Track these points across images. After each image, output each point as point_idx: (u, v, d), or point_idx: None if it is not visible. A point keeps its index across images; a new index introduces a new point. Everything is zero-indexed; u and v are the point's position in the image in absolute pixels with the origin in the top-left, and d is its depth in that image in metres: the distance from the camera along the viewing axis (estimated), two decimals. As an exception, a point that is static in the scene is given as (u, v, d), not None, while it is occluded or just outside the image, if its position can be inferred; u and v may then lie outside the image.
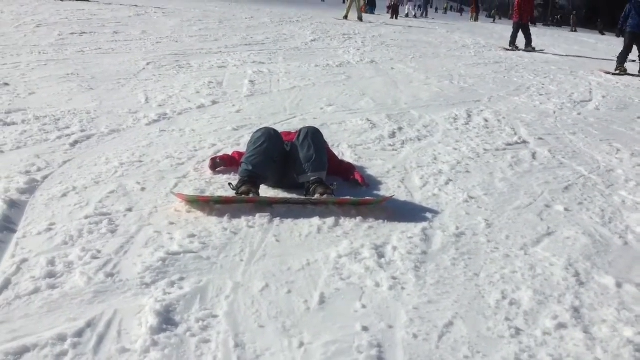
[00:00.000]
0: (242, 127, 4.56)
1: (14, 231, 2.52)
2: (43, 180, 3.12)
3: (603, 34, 29.47)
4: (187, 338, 1.85)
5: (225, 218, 2.75)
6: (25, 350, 1.73)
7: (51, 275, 2.15)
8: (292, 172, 3.19)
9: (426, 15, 27.87)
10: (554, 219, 3.13)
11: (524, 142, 4.75)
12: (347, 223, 2.80)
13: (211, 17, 13.68)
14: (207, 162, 3.49)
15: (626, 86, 8.58)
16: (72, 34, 9.08)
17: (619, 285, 2.41)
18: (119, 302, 2.02)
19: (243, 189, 2.95)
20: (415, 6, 26.31)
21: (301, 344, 1.86)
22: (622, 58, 10.14)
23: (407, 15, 24.61)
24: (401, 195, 3.29)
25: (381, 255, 2.50)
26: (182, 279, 2.20)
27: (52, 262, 2.24)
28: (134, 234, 2.56)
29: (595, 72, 9.80)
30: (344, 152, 4.05)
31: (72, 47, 7.85)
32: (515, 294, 2.28)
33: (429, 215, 3.01)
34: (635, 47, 10.39)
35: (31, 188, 3.00)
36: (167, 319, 1.93)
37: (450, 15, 42.68)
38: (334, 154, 3.66)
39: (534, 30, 14.20)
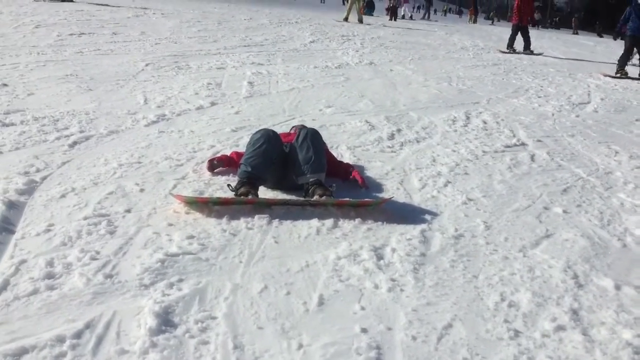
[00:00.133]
0: (241, 128, 4.56)
1: (12, 232, 2.51)
2: (42, 181, 3.12)
3: (601, 36, 29.55)
4: (186, 339, 1.85)
5: (224, 219, 2.75)
6: (24, 351, 1.73)
7: (50, 276, 2.15)
8: (291, 174, 3.19)
9: (429, 17, 27.85)
10: (553, 221, 3.13)
11: (523, 144, 4.76)
12: (346, 225, 2.80)
13: (210, 18, 13.68)
14: (205, 164, 3.49)
15: (624, 88, 8.60)
16: (71, 34, 9.07)
17: (617, 287, 2.42)
18: (118, 303, 2.02)
19: (242, 190, 2.96)
20: (413, 7, 26.32)
21: (300, 346, 1.86)
22: (623, 61, 10.14)
23: (403, 17, 24.63)
24: (400, 197, 3.29)
25: (380, 257, 2.50)
26: (181, 280, 2.20)
27: (50, 263, 2.24)
28: (132, 235, 2.56)
29: (593, 75, 9.82)
30: (343, 154, 4.05)
31: (71, 48, 7.84)
32: (514, 296, 2.28)
33: (427, 217, 3.01)
34: (635, 50, 10.40)
35: (30, 189, 2.99)
36: (165, 321, 1.93)
37: (449, 17, 42.74)
38: (333, 156, 3.67)
39: (532, 33, 14.20)
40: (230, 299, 2.10)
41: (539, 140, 4.91)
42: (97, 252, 2.36)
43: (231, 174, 3.38)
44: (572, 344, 1.99)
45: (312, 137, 3.25)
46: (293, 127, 3.97)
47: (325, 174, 3.20)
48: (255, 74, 7.03)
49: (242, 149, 3.65)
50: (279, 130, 3.80)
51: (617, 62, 10.24)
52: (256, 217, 2.78)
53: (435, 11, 30.45)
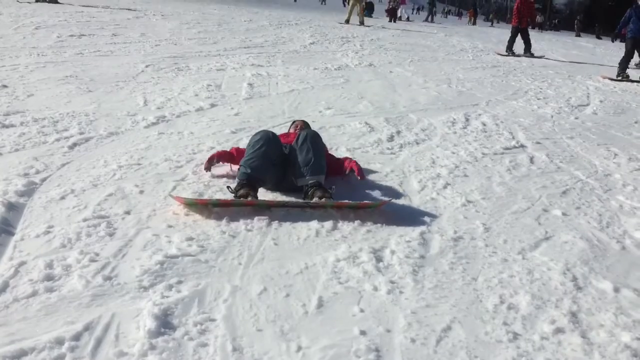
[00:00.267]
0: (241, 129, 4.56)
1: (12, 234, 2.51)
2: (41, 183, 3.12)
3: (600, 38, 29.61)
4: (185, 342, 1.85)
5: (224, 221, 2.75)
6: (23, 353, 1.73)
7: (49, 278, 2.15)
8: (291, 176, 3.19)
9: (432, 19, 27.81)
10: (552, 223, 3.13)
11: (522, 146, 4.76)
12: (346, 227, 2.81)
13: (210, 20, 13.69)
14: (204, 164, 3.47)
15: (623, 91, 8.61)
16: (71, 36, 9.08)
17: (616, 289, 2.42)
18: (117, 305, 2.02)
19: (241, 192, 2.96)
20: (413, 9, 26.30)
21: (299, 348, 1.86)
22: (624, 64, 10.12)
23: (400, 18, 24.63)
24: (399, 199, 3.29)
25: (379, 259, 2.50)
26: (180, 282, 2.20)
27: (50, 265, 2.24)
28: (132, 237, 2.56)
29: (593, 77, 9.83)
30: (343, 156, 4.05)
31: (71, 50, 7.85)
32: (513, 298, 2.29)
33: (427, 219, 3.01)
34: (636, 53, 10.38)
35: (29, 190, 2.99)
36: (165, 323, 1.93)
37: (449, 19, 42.76)
38: (333, 157, 3.66)
39: (532, 34, 14.20)
40: (230, 301, 2.10)
41: (538, 143, 4.92)
42: (97, 254, 2.36)
43: (231, 175, 3.38)
44: (571, 347, 2.00)
45: (312, 139, 3.26)
46: (294, 121, 3.98)
47: (325, 175, 3.20)
48: (255, 75, 7.04)
49: (242, 147, 3.65)
50: (279, 131, 3.80)
51: (618, 65, 10.23)
52: (255, 218, 2.78)
53: (436, 13, 30.32)
